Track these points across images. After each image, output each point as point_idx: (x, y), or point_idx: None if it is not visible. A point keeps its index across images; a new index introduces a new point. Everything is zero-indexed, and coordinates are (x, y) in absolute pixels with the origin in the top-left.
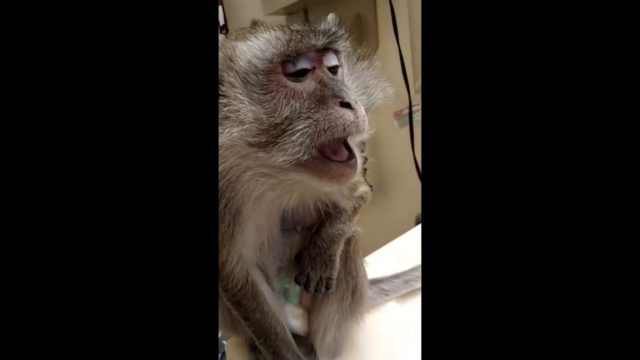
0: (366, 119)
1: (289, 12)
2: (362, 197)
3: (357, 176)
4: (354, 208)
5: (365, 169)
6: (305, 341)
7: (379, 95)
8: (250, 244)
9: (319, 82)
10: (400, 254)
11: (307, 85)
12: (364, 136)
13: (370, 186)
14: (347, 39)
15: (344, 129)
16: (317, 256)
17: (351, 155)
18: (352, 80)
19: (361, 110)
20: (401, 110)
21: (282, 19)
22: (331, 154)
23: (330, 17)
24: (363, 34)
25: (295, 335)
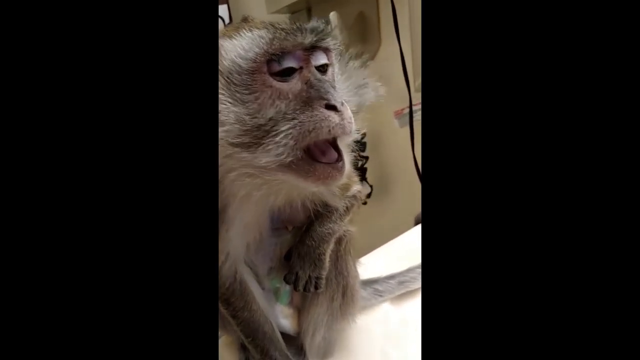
0: (353, 121)
1: (292, 10)
2: (355, 197)
3: (345, 178)
4: (346, 207)
5: (365, 169)
6: (295, 341)
7: (370, 95)
8: (238, 243)
9: (306, 83)
10: (398, 255)
11: (294, 85)
12: (353, 137)
13: (371, 186)
14: (337, 37)
15: (329, 130)
16: (306, 255)
17: (339, 157)
18: (343, 79)
19: (347, 112)
20: (402, 110)
21: (285, 17)
22: (319, 155)
23: (332, 15)
24: (366, 33)
25: (286, 335)
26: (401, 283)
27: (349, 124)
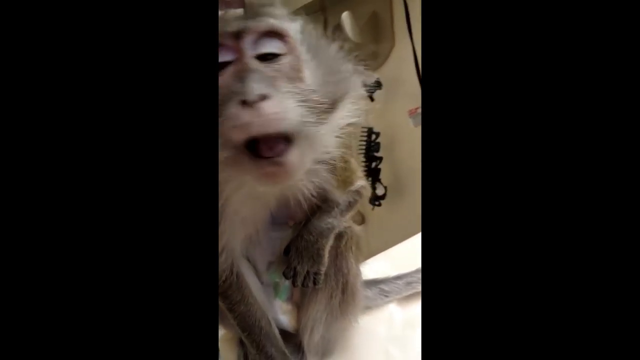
0: (279, 116)
1: (307, 12)
2: (358, 192)
3: (295, 175)
4: (349, 203)
5: (379, 169)
6: (294, 338)
7: (353, 82)
8: (232, 236)
9: (236, 76)
10: (409, 256)
11: (225, 79)
12: (327, 130)
13: (385, 187)
14: (292, 19)
15: (241, 131)
16: (304, 250)
17: (284, 151)
18: (315, 66)
19: (268, 107)
20: (416, 108)
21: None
22: (266, 149)
23: (345, 16)
24: (379, 33)
25: (285, 332)
26: (409, 284)
27: (269, 120)
